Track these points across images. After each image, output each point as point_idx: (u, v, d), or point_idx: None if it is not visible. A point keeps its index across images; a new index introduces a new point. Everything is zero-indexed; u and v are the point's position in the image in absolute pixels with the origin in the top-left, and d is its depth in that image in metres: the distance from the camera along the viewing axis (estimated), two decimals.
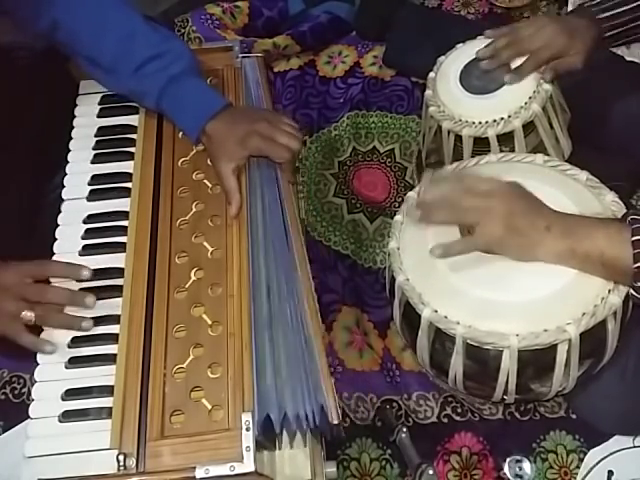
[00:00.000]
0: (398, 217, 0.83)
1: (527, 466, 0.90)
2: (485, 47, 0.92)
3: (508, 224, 0.69)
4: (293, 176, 0.87)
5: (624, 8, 0.88)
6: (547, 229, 0.69)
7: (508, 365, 0.72)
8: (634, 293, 0.68)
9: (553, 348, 0.70)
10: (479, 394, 0.87)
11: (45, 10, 0.84)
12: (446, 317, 0.72)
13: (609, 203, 0.76)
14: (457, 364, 0.76)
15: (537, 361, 0.72)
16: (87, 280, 0.76)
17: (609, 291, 0.69)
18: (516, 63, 0.91)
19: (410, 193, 0.85)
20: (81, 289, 0.75)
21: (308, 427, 0.67)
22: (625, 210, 0.75)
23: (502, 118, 0.89)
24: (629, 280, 0.67)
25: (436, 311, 0.73)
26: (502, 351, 0.71)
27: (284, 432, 0.69)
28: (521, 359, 0.71)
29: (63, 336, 0.73)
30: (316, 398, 0.68)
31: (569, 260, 0.70)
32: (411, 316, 0.77)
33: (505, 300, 0.71)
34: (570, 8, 1.21)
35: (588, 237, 0.68)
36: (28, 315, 0.72)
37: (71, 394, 0.70)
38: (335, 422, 0.66)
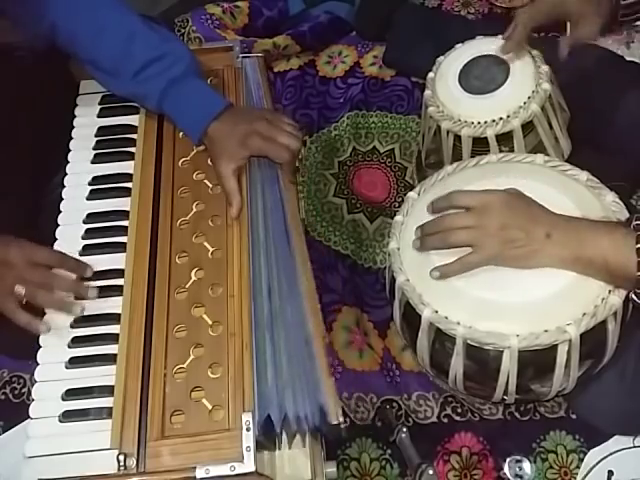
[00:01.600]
0: (398, 217, 0.83)
1: (527, 466, 0.90)
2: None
3: (503, 238, 0.69)
4: (294, 176, 0.87)
5: None
6: (548, 236, 0.69)
7: (508, 365, 0.72)
8: (635, 298, 0.68)
9: (553, 348, 0.70)
10: (479, 394, 0.87)
11: (44, 14, 0.84)
12: (446, 317, 0.72)
13: (609, 203, 0.76)
14: (457, 364, 0.76)
15: (537, 361, 0.72)
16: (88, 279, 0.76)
17: (609, 292, 0.69)
18: None
19: (410, 193, 0.85)
20: None
21: (308, 428, 0.67)
22: (626, 210, 0.75)
23: (501, 118, 0.89)
24: (631, 286, 0.67)
25: (436, 311, 0.73)
26: (502, 351, 0.71)
27: (283, 432, 0.69)
28: (521, 359, 0.71)
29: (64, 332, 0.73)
30: (315, 399, 0.68)
31: (572, 265, 0.70)
32: (411, 316, 0.77)
33: (505, 301, 0.71)
34: None
35: (592, 243, 0.68)
36: (19, 289, 0.72)
37: (71, 394, 0.70)
38: (334, 422, 0.66)
